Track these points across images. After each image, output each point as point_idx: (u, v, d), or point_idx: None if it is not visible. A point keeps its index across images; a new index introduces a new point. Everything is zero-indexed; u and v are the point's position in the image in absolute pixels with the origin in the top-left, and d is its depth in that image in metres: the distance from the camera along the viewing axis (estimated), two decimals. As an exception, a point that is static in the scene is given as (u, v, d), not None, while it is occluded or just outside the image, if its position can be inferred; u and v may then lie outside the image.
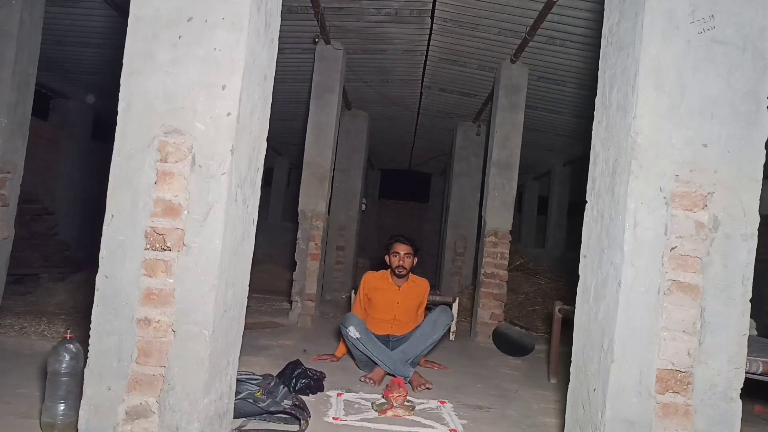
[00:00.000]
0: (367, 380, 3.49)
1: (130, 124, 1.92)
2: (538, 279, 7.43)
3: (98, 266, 1.90)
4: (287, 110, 7.95)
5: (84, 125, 9.45)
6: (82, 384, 1.89)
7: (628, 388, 1.83)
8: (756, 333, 3.84)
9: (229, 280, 1.98)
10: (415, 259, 3.97)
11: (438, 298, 5.56)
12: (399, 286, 3.97)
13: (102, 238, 1.91)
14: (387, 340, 3.82)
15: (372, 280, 4.03)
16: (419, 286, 4.05)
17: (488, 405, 3.25)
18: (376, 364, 3.59)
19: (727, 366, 1.82)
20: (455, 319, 5.31)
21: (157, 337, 1.87)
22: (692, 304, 1.83)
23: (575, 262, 2.20)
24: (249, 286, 2.21)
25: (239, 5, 1.92)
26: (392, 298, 3.96)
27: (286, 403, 2.54)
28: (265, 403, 2.49)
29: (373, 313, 4.00)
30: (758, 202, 1.86)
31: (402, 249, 3.91)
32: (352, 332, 3.62)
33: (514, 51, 5.52)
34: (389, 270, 3.98)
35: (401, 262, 3.90)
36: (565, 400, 2.16)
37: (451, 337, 5.47)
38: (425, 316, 3.89)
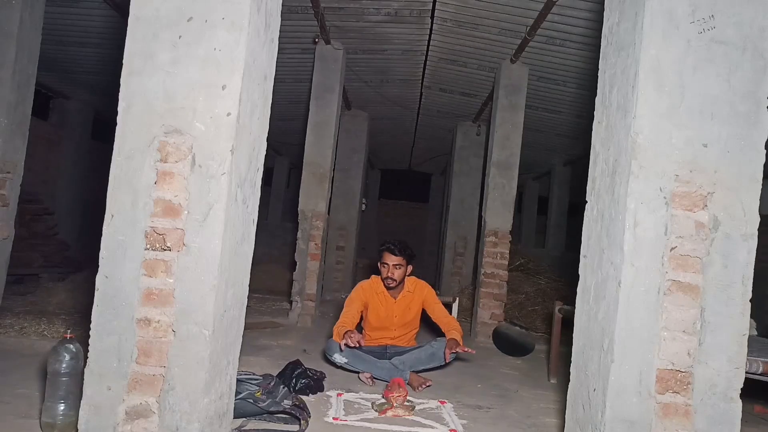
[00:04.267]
0: (364, 378, 3.50)
1: (130, 124, 1.92)
2: (538, 279, 7.43)
3: (98, 266, 1.90)
4: (287, 110, 7.95)
5: (84, 125, 9.46)
6: (82, 384, 1.90)
7: (628, 388, 1.83)
8: (756, 333, 3.84)
9: (229, 280, 1.98)
10: (410, 267, 3.74)
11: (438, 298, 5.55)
12: (395, 298, 3.78)
13: (102, 238, 1.91)
14: (384, 351, 3.75)
15: (365, 293, 3.76)
16: (415, 293, 3.81)
17: (488, 405, 3.25)
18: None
19: (727, 366, 1.82)
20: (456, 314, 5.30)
21: (157, 337, 1.87)
22: (692, 304, 1.83)
23: (575, 262, 2.20)
24: (249, 286, 2.21)
25: (239, 5, 1.92)
26: (389, 311, 3.78)
27: (286, 403, 2.54)
28: (265, 403, 2.49)
29: (369, 331, 3.84)
30: (758, 202, 1.86)
31: (390, 260, 3.65)
32: (338, 359, 3.49)
33: (514, 51, 5.52)
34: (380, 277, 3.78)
35: (390, 274, 3.66)
36: (565, 400, 2.16)
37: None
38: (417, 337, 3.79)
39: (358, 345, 3.33)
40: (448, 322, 3.76)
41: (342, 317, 3.64)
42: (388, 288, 3.74)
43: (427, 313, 3.90)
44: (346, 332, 3.41)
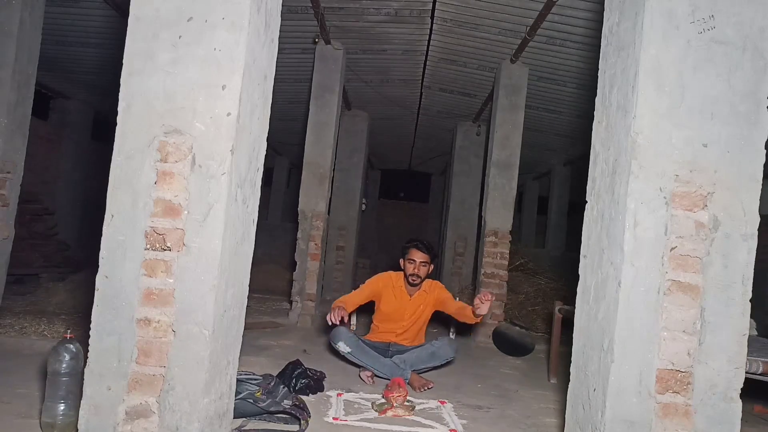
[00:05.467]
0: (365, 377, 3.51)
1: (130, 124, 1.92)
2: (538, 279, 7.43)
3: (98, 266, 1.90)
4: (287, 110, 7.95)
5: (84, 125, 9.46)
6: (82, 384, 1.90)
7: (628, 388, 1.83)
8: (756, 333, 3.84)
9: (229, 280, 1.98)
10: (432, 267, 3.79)
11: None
12: (411, 295, 3.81)
13: (102, 238, 1.91)
14: (387, 348, 3.76)
15: (382, 284, 3.81)
16: (430, 293, 3.83)
17: (488, 405, 3.25)
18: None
19: (727, 366, 1.82)
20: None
21: (157, 337, 1.87)
22: (692, 304, 1.83)
23: (575, 262, 2.20)
24: (249, 286, 2.21)
25: (239, 5, 1.92)
26: (402, 307, 3.80)
27: (286, 403, 2.54)
28: (265, 403, 2.49)
29: (378, 322, 3.89)
30: (758, 202, 1.86)
31: (418, 257, 3.71)
32: (342, 347, 3.52)
33: (514, 51, 5.52)
34: (402, 273, 3.81)
35: (416, 271, 3.71)
36: (565, 400, 2.16)
37: (451, 335, 5.46)
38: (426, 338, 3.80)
39: (340, 321, 3.38)
40: (463, 306, 3.76)
41: (348, 296, 3.72)
42: (413, 285, 3.76)
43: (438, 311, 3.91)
44: (335, 306, 3.46)
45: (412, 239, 3.85)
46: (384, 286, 3.82)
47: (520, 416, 3.08)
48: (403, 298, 3.82)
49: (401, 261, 3.80)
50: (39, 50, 4.23)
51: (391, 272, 3.91)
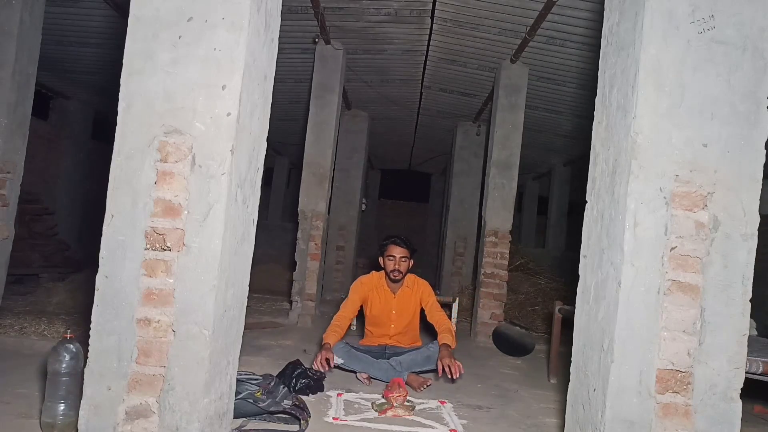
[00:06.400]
0: (361, 378, 3.50)
1: (130, 124, 1.92)
2: (538, 279, 7.44)
3: (98, 266, 1.90)
4: (287, 110, 7.95)
5: (84, 125, 9.46)
6: (82, 384, 1.90)
7: (628, 388, 1.83)
8: (756, 333, 3.84)
9: (229, 280, 1.98)
10: (411, 262, 3.76)
11: (438, 298, 5.55)
12: (394, 293, 3.78)
13: (102, 238, 1.91)
14: (383, 351, 3.75)
15: (364, 287, 3.79)
16: (413, 289, 3.80)
17: (488, 405, 3.25)
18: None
19: (727, 366, 1.82)
20: (456, 320, 5.29)
21: (157, 337, 1.87)
22: (692, 304, 1.83)
23: (575, 262, 2.20)
24: (249, 286, 2.21)
25: (239, 5, 1.92)
26: (387, 307, 3.78)
27: (286, 403, 2.54)
28: (265, 403, 2.49)
29: (369, 327, 3.87)
30: (758, 202, 1.86)
31: (398, 252, 3.69)
32: (335, 359, 3.44)
33: (514, 51, 5.52)
34: (383, 272, 3.78)
35: (397, 266, 3.68)
36: (565, 400, 2.16)
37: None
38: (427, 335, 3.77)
39: (327, 367, 3.27)
40: (439, 319, 3.72)
41: (339, 312, 3.70)
42: (394, 281, 3.74)
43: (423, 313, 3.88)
44: (323, 346, 3.40)
45: (389, 236, 3.83)
46: (368, 288, 3.80)
47: (520, 416, 3.08)
48: (387, 297, 3.79)
49: (380, 259, 3.77)
50: (39, 50, 4.23)
51: (372, 273, 3.88)
